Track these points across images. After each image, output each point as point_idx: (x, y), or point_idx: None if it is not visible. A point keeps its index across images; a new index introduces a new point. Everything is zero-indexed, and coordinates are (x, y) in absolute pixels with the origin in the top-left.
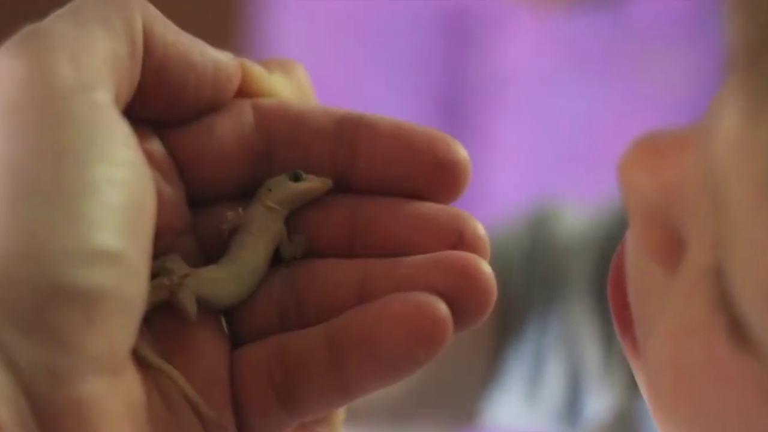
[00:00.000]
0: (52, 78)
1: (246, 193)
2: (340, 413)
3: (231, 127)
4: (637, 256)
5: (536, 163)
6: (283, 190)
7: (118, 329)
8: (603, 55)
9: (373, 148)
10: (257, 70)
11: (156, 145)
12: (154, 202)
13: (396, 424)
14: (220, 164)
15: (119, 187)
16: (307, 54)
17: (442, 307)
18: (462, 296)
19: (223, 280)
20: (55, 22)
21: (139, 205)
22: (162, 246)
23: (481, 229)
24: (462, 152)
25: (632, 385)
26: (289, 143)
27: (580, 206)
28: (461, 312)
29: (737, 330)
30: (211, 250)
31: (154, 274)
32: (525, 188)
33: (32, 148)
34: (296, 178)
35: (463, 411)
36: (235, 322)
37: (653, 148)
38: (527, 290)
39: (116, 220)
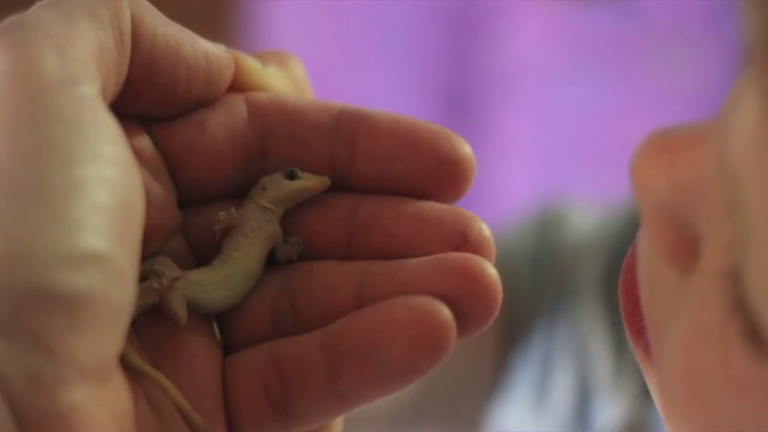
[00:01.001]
0: (35, 71)
1: (239, 192)
2: (338, 423)
3: (223, 122)
4: (649, 259)
5: (544, 160)
6: (278, 188)
7: (105, 335)
8: (615, 47)
9: (373, 144)
10: (251, 63)
11: (145, 142)
12: (142, 202)
13: None
14: (212, 162)
15: (106, 186)
16: (303, 46)
17: (445, 312)
18: (466, 301)
19: (215, 284)
20: (39, 12)
21: (126, 205)
22: (151, 247)
23: (486, 230)
24: (466, 149)
25: (644, 393)
26: (284, 139)
27: (589, 206)
28: (465, 317)
29: (754, 335)
30: (203, 252)
31: (143, 277)
32: (532, 187)
33: (14, 144)
34: (292, 176)
35: (467, 421)
36: (227, 327)
37: (667, 145)
38: (534, 294)
39: (103, 221)
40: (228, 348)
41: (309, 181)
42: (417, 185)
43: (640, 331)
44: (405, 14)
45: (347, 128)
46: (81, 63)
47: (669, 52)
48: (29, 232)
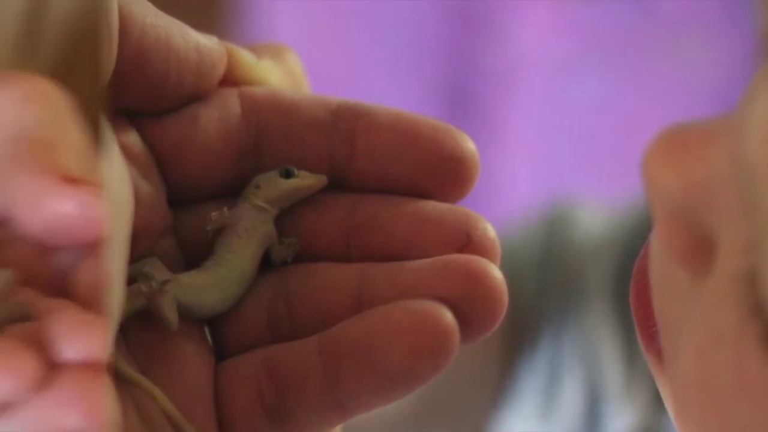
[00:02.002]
0: None
1: (233, 190)
2: None
3: (216, 118)
4: (662, 261)
5: (551, 158)
6: (274, 187)
7: None
8: (624, 42)
9: (373, 141)
10: (245, 56)
11: (133, 138)
12: (130, 201)
13: None
14: (204, 159)
15: None
16: (300, 39)
17: (448, 317)
18: (470, 304)
19: (207, 287)
20: None
21: (114, 204)
22: (140, 248)
23: (490, 231)
24: (470, 146)
25: (657, 401)
26: (279, 136)
27: (598, 205)
28: (469, 322)
29: None
30: (194, 254)
31: (131, 280)
32: (538, 186)
33: None
34: (288, 175)
35: (470, 429)
36: (220, 331)
37: (680, 142)
38: (541, 297)
39: None
40: (221, 353)
41: (305, 180)
42: (418, 184)
43: (652, 335)
44: (406, 10)
45: (346, 124)
46: None
47: (681, 47)
48: None
